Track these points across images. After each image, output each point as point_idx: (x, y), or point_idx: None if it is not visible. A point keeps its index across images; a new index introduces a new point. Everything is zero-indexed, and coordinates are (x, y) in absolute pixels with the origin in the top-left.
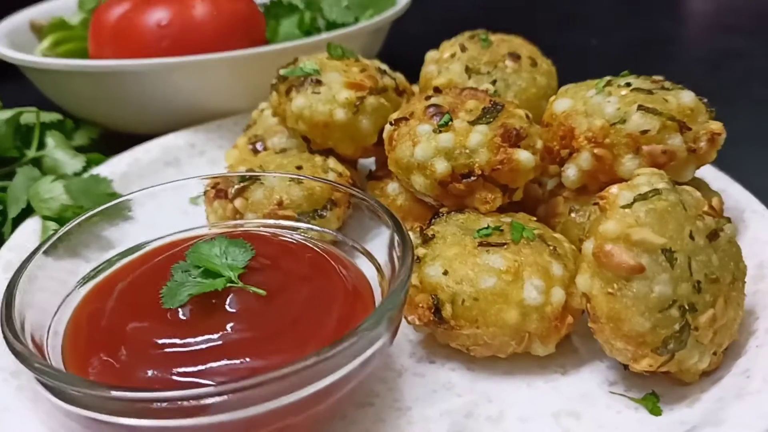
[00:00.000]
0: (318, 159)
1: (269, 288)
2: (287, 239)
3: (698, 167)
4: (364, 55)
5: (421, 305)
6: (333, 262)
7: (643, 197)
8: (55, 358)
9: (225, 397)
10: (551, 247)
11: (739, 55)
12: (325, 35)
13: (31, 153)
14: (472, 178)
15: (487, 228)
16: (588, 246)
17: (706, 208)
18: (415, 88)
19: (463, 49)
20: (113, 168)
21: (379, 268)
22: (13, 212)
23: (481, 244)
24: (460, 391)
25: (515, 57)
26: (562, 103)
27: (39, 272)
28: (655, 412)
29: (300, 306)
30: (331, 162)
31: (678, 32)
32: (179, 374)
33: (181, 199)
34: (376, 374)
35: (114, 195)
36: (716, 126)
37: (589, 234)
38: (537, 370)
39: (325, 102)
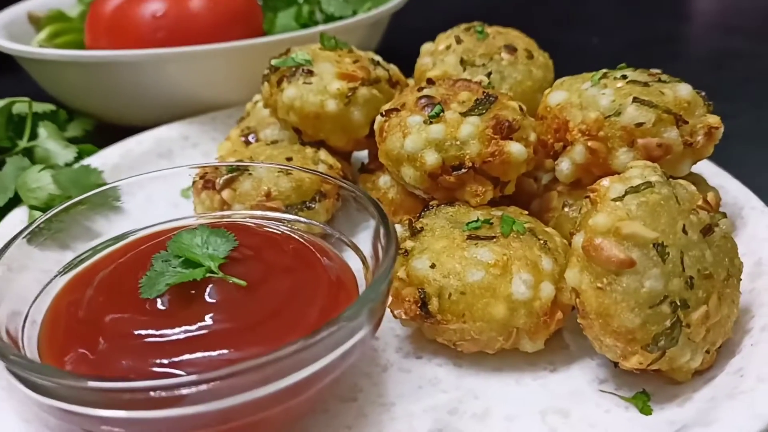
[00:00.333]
0: (309, 151)
1: (250, 279)
2: (272, 230)
3: (695, 162)
4: (363, 49)
5: (407, 299)
6: (318, 254)
7: (634, 190)
8: (31, 348)
9: (197, 387)
10: (542, 241)
11: (742, 54)
12: (321, 27)
13: (23, 143)
14: (463, 170)
15: (476, 221)
16: (578, 239)
17: (700, 203)
18: (412, 81)
19: (459, 41)
20: (104, 159)
21: (364, 261)
22: (0, 201)
23: (469, 237)
24: (446, 387)
25: (511, 49)
26: (557, 95)
27: (18, 260)
28: (646, 411)
29: (281, 297)
30: (322, 154)
31: (681, 32)
32: (156, 365)
33: (169, 189)
34: (361, 369)
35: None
36: (714, 120)
37: (579, 227)
38: (526, 367)
39: (316, 93)
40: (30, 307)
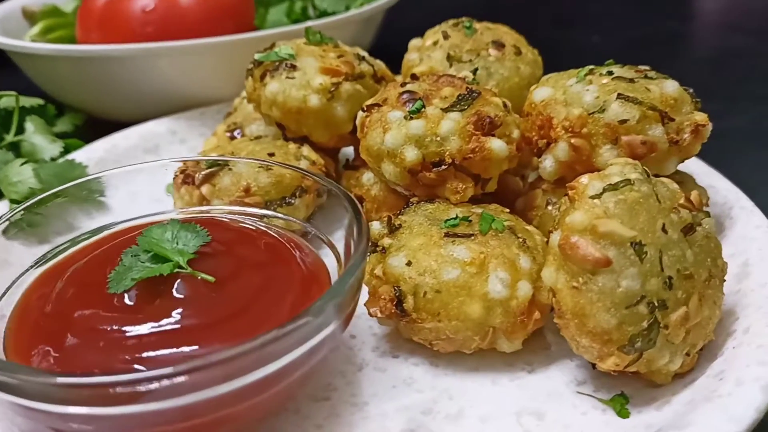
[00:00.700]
0: (292, 146)
1: (220, 274)
2: (247, 226)
3: (682, 160)
4: (356, 45)
5: (383, 297)
6: (293, 251)
7: (613, 187)
8: None
9: (158, 383)
10: (521, 240)
11: (743, 53)
12: (311, 22)
13: (10, 137)
14: (443, 166)
15: (455, 218)
16: (555, 237)
17: (682, 201)
18: (401, 78)
19: (446, 36)
20: (89, 154)
21: (338, 257)
22: None
23: (447, 235)
24: (421, 387)
25: (499, 45)
26: (542, 91)
27: None
28: (623, 414)
29: (251, 293)
30: (305, 150)
31: (682, 30)
32: (120, 361)
33: (154, 184)
34: (335, 367)
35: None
36: (701, 117)
37: (557, 225)
38: (503, 368)
39: (299, 87)
40: None
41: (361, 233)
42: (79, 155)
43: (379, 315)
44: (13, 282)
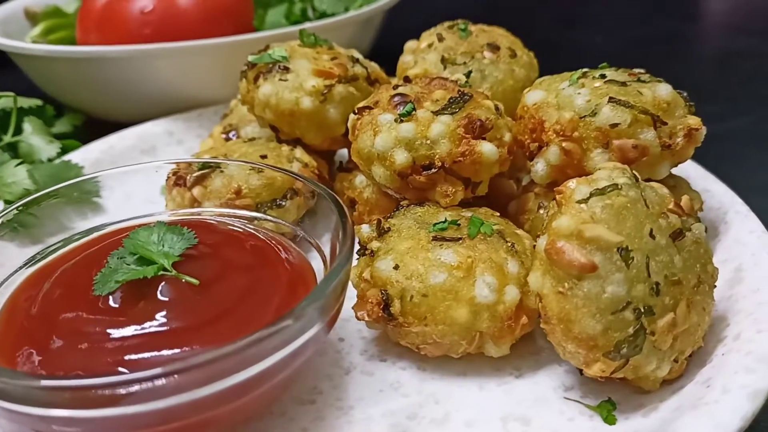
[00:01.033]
0: (284, 148)
1: (206, 277)
2: (235, 228)
3: (675, 165)
4: (355, 47)
5: (370, 301)
6: (280, 253)
7: (600, 192)
8: None
9: (137, 386)
10: (509, 244)
11: (747, 54)
12: (309, 24)
13: (7, 138)
14: (433, 170)
15: (443, 222)
16: (541, 242)
17: (671, 206)
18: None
19: (441, 38)
20: (86, 155)
21: (325, 260)
22: None
23: (435, 239)
24: (407, 391)
25: (494, 48)
26: (535, 94)
27: None
28: (610, 420)
29: (236, 296)
30: (298, 152)
31: (686, 31)
32: (103, 364)
33: (149, 185)
34: (323, 371)
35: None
36: (694, 121)
37: (544, 230)
38: (491, 372)
39: (291, 90)
40: None
41: (346, 236)
42: (76, 156)
43: (367, 318)
44: (2, 283)
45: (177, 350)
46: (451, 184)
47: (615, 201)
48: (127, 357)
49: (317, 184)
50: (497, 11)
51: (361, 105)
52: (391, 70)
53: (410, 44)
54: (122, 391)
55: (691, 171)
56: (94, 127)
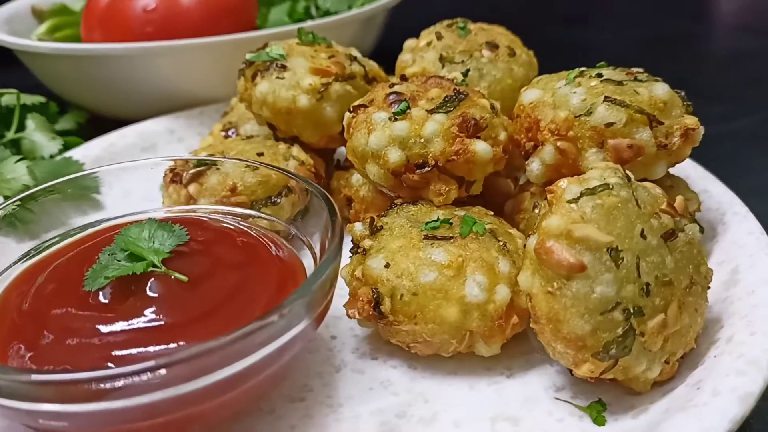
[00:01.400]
0: (281, 146)
1: (195, 274)
2: (228, 225)
3: (672, 165)
4: (357, 46)
5: (361, 299)
6: (272, 251)
7: (591, 192)
8: None
9: (122, 381)
10: (501, 243)
11: (756, 54)
12: (311, 22)
13: (10, 134)
14: (427, 168)
15: (435, 221)
16: (531, 242)
17: (664, 206)
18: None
19: (439, 37)
20: (86, 152)
21: (315, 258)
22: None
23: (426, 237)
24: (397, 389)
25: (493, 46)
26: (531, 93)
27: None
28: (599, 421)
29: (226, 293)
30: (295, 150)
31: (694, 31)
32: (92, 360)
33: (148, 182)
34: (313, 369)
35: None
36: (691, 121)
37: (535, 229)
38: (482, 372)
39: (288, 88)
40: None
41: (335, 233)
42: (76, 153)
43: (357, 316)
44: None
45: (165, 346)
46: (445, 183)
47: (606, 201)
48: (115, 353)
49: (309, 181)
50: (501, 8)
51: (356, 103)
52: (392, 69)
53: (409, 43)
54: (108, 385)
55: (690, 171)
56: (98, 124)
